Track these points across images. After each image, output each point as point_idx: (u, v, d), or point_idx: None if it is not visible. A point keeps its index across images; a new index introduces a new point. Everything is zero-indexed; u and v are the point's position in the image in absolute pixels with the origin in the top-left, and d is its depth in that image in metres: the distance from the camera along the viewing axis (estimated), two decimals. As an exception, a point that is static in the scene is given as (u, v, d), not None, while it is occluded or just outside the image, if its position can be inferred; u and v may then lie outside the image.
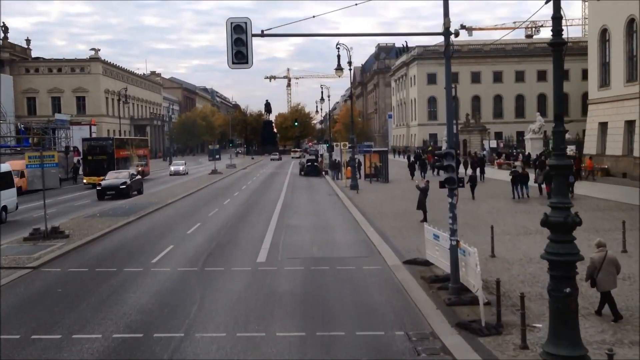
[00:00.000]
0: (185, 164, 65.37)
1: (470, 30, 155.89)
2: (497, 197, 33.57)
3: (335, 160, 51.48)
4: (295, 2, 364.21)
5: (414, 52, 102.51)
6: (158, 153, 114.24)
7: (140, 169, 52.19)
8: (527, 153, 55.47)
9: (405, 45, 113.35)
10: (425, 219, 23.46)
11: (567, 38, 9.93)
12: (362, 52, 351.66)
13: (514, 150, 64.15)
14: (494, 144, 69.37)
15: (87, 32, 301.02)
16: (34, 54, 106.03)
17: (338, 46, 39.09)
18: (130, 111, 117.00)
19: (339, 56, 39.25)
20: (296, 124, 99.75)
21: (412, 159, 57.07)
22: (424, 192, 24.63)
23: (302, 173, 57.60)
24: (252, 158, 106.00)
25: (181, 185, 47.36)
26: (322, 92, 61.69)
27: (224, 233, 23.34)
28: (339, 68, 39.34)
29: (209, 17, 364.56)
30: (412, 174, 48.54)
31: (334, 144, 56.17)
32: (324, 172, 57.33)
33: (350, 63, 39.10)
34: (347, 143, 43.98)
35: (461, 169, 51.14)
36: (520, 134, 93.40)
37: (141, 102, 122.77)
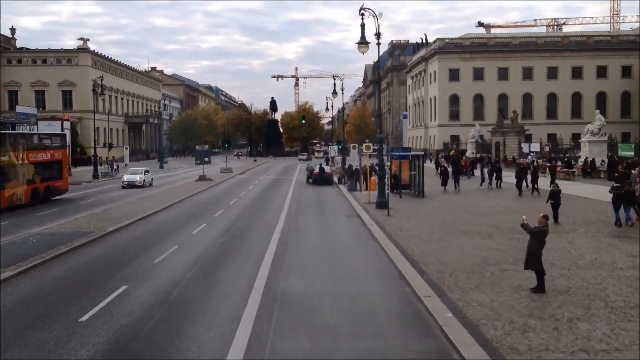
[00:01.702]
0: (146, 172, 47.48)
1: (488, 27, 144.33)
2: (590, 223, 22.28)
3: (353, 166, 40.13)
4: (305, 4, 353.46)
5: (434, 46, 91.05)
6: (152, 154, 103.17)
7: (46, 184, 34.22)
8: (589, 159, 43.95)
9: (424, 39, 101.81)
10: (541, 287, 12.35)
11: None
12: (371, 55, 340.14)
13: (566, 156, 52.65)
14: (535, 147, 57.72)
15: (98, 33, 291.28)
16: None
17: (362, 12, 28.02)
18: (125, 108, 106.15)
19: (362, 26, 28.24)
20: (303, 121, 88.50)
21: (444, 164, 45.74)
22: (539, 236, 13.28)
23: (310, 181, 46.36)
24: (255, 160, 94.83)
25: (135, 203, 32.07)
26: (334, 84, 50.78)
27: (151, 333, 10.95)
28: (363, 42, 28.28)
29: (218, 19, 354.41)
30: (445, 184, 37.45)
31: (351, 145, 44.83)
32: (336, 180, 46.07)
33: (378, 35, 27.85)
34: (370, 145, 32.70)
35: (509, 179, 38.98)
36: (552, 137, 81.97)
37: (137, 98, 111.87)
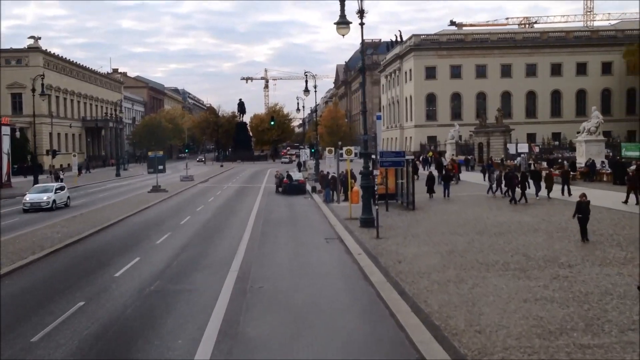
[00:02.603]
0: (59, 189, 34.98)
1: (460, 26, 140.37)
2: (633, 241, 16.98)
3: (328, 174, 34.50)
4: (275, 6, 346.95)
5: (409, 43, 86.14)
6: (111, 160, 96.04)
7: None
8: (588, 160, 39.02)
9: (399, 37, 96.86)
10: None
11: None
12: (341, 56, 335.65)
13: (560, 156, 47.85)
14: (524, 147, 52.85)
15: (63, 36, 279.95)
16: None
17: (340, -15, 22.54)
18: (83, 111, 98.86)
19: (342, 3, 22.85)
20: (272, 122, 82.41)
21: (430, 169, 40.47)
22: None
23: (280, 190, 40.58)
24: (222, 165, 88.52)
25: (38, 234, 22.85)
26: (306, 81, 44.91)
27: None
28: (343, 22, 22.83)
29: (187, 21, 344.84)
30: (432, 191, 32.28)
31: (327, 149, 39.18)
32: (309, 189, 40.42)
33: (361, 13, 22.30)
34: (352, 149, 27.05)
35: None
36: (531, 136, 77.48)
37: (96, 101, 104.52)
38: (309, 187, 41.06)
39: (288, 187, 39.70)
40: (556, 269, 14.48)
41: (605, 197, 28.99)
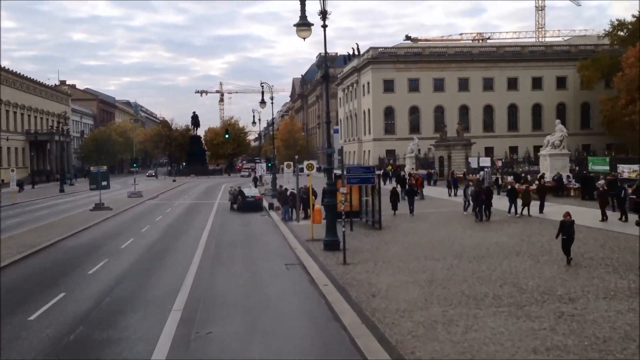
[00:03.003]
0: None
1: (416, 41, 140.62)
2: (619, 263, 15.08)
3: (286, 190, 31.97)
4: (231, 20, 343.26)
5: (367, 55, 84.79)
6: (56, 175, 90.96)
7: None
8: (553, 174, 37.70)
9: (356, 50, 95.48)
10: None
11: None
12: (298, 71, 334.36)
13: (522, 171, 46.62)
14: (486, 161, 51.57)
15: (12, 49, 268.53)
16: None
17: (301, -18, 20.36)
18: (26, 124, 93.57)
19: (303, 3, 20.68)
20: (227, 135, 79.24)
21: (393, 184, 38.50)
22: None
23: (235, 207, 37.80)
24: (174, 180, 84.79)
25: None
26: (262, 92, 42.30)
27: None
28: (303, 24, 20.62)
29: (141, 34, 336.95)
30: (396, 207, 30.25)
31: (285, 163, 36.63)
32: (266, 205, 37.85)
33: (324, 14, 20.03)
34: (313, 163, 24.63)
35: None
36: (489, 150, 76.81)
37: (41, 114, 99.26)
38: (266, 204, 38.46)
39: (243, 204, 36.99)
40: (557, 305, 12.37)
41: (579, 214, 27.40)
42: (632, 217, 25.20)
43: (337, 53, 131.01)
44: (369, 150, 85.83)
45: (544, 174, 36.18)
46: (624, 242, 19.78)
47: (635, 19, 72.74)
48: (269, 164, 51.38)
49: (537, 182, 31.59)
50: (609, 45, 75.98)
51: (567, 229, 17.06)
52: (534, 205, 27.42)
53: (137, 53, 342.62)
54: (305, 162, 24.01)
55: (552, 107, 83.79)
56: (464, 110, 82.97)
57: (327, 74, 21.31)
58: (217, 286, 15.89)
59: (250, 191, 40.17)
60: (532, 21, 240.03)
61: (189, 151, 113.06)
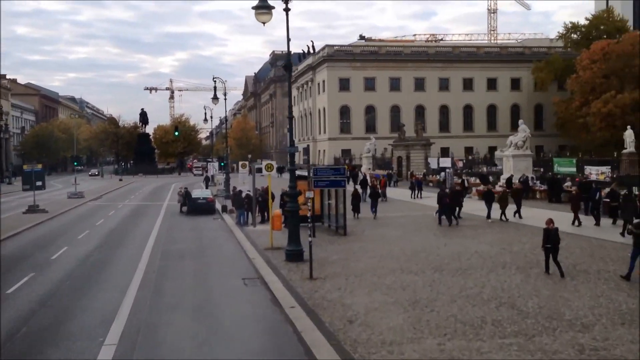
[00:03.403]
0: None
1: (369, 41, 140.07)
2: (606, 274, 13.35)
3: (241, 192, 29.35)
4: (182, 16, 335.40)
5: (323, 53, 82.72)
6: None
7: None
8: (519, 176, 36.32)
9: (311, 48, 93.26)
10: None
11: None
12: (250, 70, 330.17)
13: (485, 171, 45.33)
14: (446, 162, 50.17)
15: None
16: None
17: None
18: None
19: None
20: (176, 133, 75.56)
21: (355, 186, 36.39)
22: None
23: (184, 210, 34.90)
24: (121, 179, 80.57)
25: None
26: (214, 87, 39.49)
27: None
28: (263, 6, 18.19)
29: (87, 29, 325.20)
30: (358, 210, 28.30)
31: (240, 163, 33.87)
32: (219, 207, 35.14)
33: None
34: (273, 164, 22.09)
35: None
36: (445, 150, 75.94)
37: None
38: (218, 206, 35.71)
39: (194, 207, 34.16)
40: (572, 334, 10.38)
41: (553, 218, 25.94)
42: (604, 221, 23.95)
43: (291, 51, 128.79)
44: (324, 150, 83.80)
45: (512, 175, 34.73)
46: (612, 251, 18.18)
47: (588, 22, 73.27)
48: (222, 163, 48.49)
49: (503, 184, 30.01)
50: (563, 48, 76.34)
51: (552, 237, 15.29)
52: (509, 209, 25.77)
53: (83, 48, 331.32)
54: (264, 162, 21.53)
55: (506, 108, 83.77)
56: (420, 110, 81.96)
57: (289, 63, 18.98)
58: (162, 311, 13.28)
59: (202, 192, 37.34)
60: (481, 25, 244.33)
61: (137, 149, 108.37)
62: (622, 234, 20.50)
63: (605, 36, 69.84)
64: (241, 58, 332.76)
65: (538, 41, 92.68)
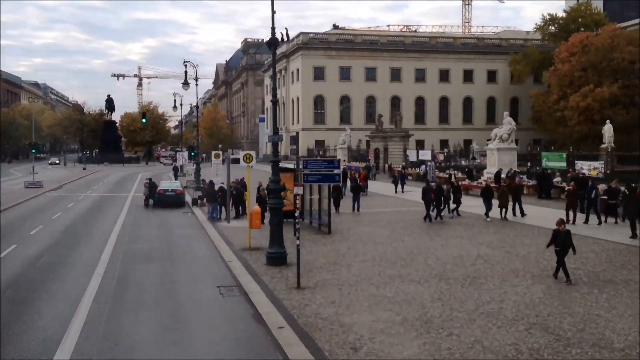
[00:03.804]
0: None
1: (343, 30, 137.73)
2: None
3: (213, 184, 26.87)
4: (151, 4, 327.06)
5: (297, 41, 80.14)
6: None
7: None
8: (510, 170, 34.56)
9: (285, 35, 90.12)
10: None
11: None
12: (220, 59, 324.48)
13: (471, 164, 43.60)
14: (426, 154, 48.33)
15: None
16: None
17: None
18: None
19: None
20: (144, 120, 72.06)
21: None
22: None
23: (150, 203, 32.16)
24: (84, 168, 76.88)
25: None
26: (185, 72, 36.72)
27: None
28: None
29: (54, 14, 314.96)
30: (338, 205, 26.29)
31: (215, 153, 31.33)
32: (189, 200, 32.59)
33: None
34: (252, 155, 19.63)
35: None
36: (420, 143, 74.26)
37: None
38: (188, 199, 33.13)
39: (161, 199, 31.51)
40: (633, 370, 8.35)
41: (540, 215, 24.23)
42: (594, 219, 22.34)
43: (263, 39, 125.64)
44: (299, 141, 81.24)
45: (500, 169, 32.96)
46: (630, 256, 16.36)
47: (566, 14, 72.27)
48: (192, 153, 45.75)
49: (490, 179, 28.16)
50: (540, 40, 75.28)
51: (561, 239, 13.48)
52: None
53: (49, 33, 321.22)
54: (243, 153, 19.10)
55: (482, 101, 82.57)
56: (396, 102, 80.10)
57: (274, 39, 16.56)
58: (122, 331, 10.87)
59: (170, 184, 34.67)
60: (452, 19, 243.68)
61: (103, 137, 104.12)
62: (634, 236, 18.81)
63: (582, 29, 68.94)
64: (212, 47, 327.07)
65: (514, 33, 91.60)
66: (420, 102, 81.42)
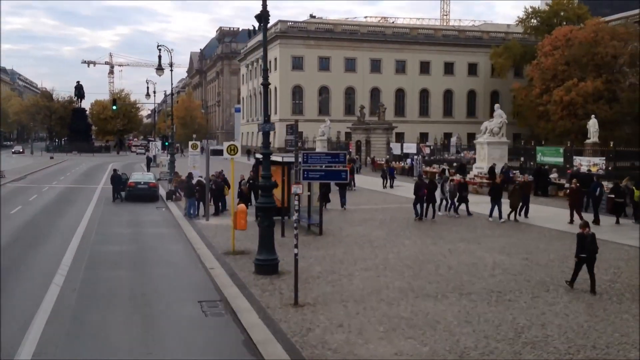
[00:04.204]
0: None
1: (322, 19, 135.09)
2: None
3: (191, 176, 24.44)
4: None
5: (275, 29, 77.46)
6: None
7: None
8: (504, 166, 32.76)
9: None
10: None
11: None
12: (194, 47, 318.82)
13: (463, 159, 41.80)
14: (411, 147, 46.38)
15: None
16: None
17: None
18: None
19: None
20: (114, 107, 68.42)
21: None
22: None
23: (119, 197, 29.51)
24: (52, 157, 73.26)
25: None
26: (159, 56, 34.11)
27: None
28: None
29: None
30: (326, 201, 24.27)
31: (192, 144, 28.73)
32: (163, 194, 30.08)
33: None
34: (235, 145, 17.13)
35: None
36: (400, 135, 72.47)
37: None
38: (162, 192, 30.60)
39: (133, 193, 28.95)
40: None
41: (540, 214, 22.52)
42: (605, 220, 20.74)
43: (239, 28, 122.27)
44: (275, 132, 78.82)
45: (494, 165, 31.12)
46: None
47: (548, 7, 71.12)
48: (166, 142, 43.06)
49: (483, 174, 26.30)
50: (522, 34, 74.08)
51: (588, 245, 11.71)
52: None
53: (17, 19, 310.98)
54: (227, 143, 16.75)
55: (463, 93, 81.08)
56: (375, 93, 78.06)
57: (265, 12, 14.29)
58: (80, 366, 8.58)
59: (143, 176, 32.07)
60: (427, 13, 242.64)
61: (72, 125, 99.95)
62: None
63: (564, 22, 67.84)
64: (185, 35, 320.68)
65: (495, 26, 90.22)
66: (400, 94, 79.55)
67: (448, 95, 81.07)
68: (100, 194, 32.02)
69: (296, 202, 11.97)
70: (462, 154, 53.18)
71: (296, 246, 11.60)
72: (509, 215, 20.80)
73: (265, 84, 14.26)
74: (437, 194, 22.57)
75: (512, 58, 71.55)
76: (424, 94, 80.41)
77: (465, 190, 21.66)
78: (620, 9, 69.29)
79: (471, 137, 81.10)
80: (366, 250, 16.49)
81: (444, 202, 22.72)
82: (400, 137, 69.87)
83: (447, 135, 73.36)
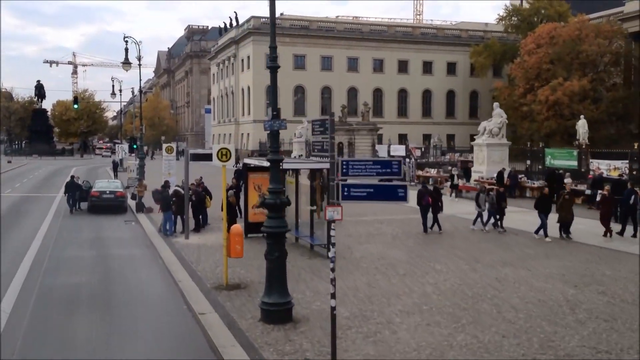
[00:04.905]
0: None
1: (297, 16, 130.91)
2: None
3: (167, 186, 20.57)
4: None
5: (248, 25, 73.66)
6: None
7: None
8: (511, 170, 29.67)
9: (234, 19, 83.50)
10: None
11: None
12: (161, 47, 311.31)
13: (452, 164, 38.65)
14: (399, 149, 43.15)
15: None
16: None
17: None
18: None
19: None
20: (76, 106, 63.09)
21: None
22: None
23: (79, 208, 25.45)
24: (9, 161, 67.85)
25: None
26: (126, 48, 29.90)
27: None
28: None
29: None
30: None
31: (167, 147, 24.80)
32: (132, 204, 26.04)
33: None
34: (228, 149, 13.60)
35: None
36: (378, 137, 69.46)
37: None
38: (131, 203, 26.55)
39: (97, 203, 24.91)
40: None
41: (583, 228, 19.45)
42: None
43: (208, 26, 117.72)
44: (249, 134, 75.05)
45: (503, 169, 28.05)
46: None
47: (529, 5, 69.07)
48: (134, 145, 38.89)
49: (490, 178, 23.16)
50: (502, 32, 71.90)
51: None
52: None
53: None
54: (218, 147, 13.09)
55: (442, 93, 78.55)
56: (353, 93, 74.94)
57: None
58: None
59: (109, 184, 27.94)
60: (397, 13, 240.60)
61: (32, 127, 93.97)
62: None
63: (545, 20, 65.82)
64: (152, 34, 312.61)
65: (473, 25, 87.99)
66: (378, 93, 76.54)
67: (427, 95, 78.46)
68: (59, 205, 27.83)
69: (333, 233, 8.42)
70: (447, 157, 50.38)
71: (333, 296, 8.06)
72: (562, 233, 17.36)
73: (273, 67, 10.75)
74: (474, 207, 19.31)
75: (492, 57, 69.31)
76: (403, 94, 77.61)
77: (504, 200, 18.38)
78: (602, 7, 67.59)
79: (450, 138, 78.80)
80: (393, 280, 13.05)
81: (482, 216, 19.14)
82: (378, 139, 66.90)
83: (427, 137, 70.78)
